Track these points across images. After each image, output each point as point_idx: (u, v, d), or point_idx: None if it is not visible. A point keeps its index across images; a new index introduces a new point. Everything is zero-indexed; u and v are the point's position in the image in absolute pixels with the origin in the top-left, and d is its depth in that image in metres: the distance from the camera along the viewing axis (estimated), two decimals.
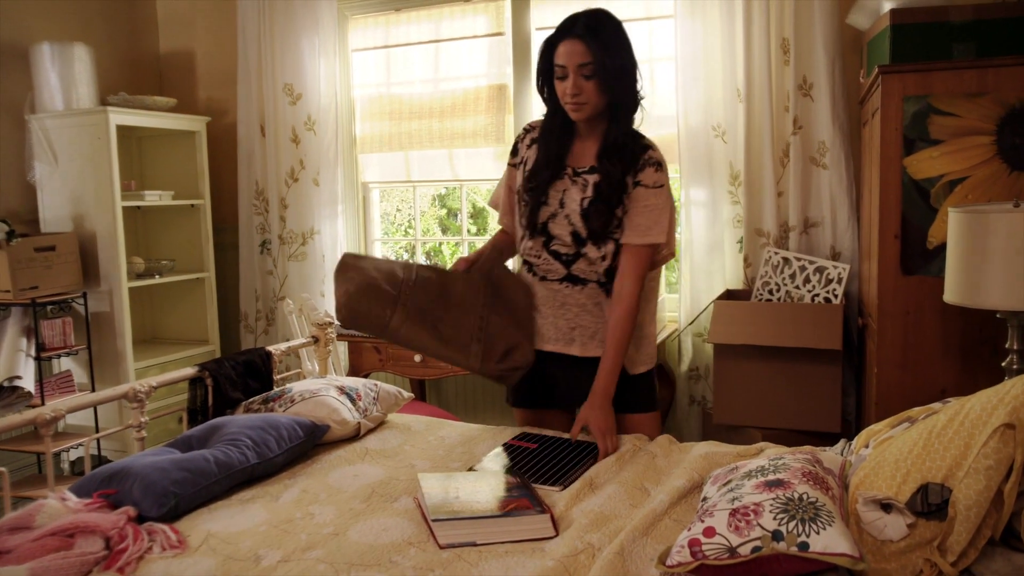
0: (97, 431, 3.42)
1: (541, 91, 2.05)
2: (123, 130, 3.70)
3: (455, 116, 3.77)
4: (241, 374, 2.40)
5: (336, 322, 2.56)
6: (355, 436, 2.12)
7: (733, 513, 1.27)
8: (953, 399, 1.50)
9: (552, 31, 1.97)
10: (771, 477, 1.35)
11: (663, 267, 2.19)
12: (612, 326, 1.96)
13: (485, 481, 1.67)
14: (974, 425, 1.29)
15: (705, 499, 1.46)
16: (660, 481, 1.71)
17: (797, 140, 3.09)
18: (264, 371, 2.50)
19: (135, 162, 4.13)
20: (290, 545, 1.48)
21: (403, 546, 1.46)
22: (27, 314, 3.42)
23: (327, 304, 3.91)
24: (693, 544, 1.24)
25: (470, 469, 1.82)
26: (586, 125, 2.01)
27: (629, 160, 1.96)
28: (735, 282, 3.25)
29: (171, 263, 3.99)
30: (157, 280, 3.86)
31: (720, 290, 3.24)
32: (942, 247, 2.24)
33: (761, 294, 3.07)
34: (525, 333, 1.99)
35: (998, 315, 2.06)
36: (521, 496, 1.57)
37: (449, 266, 2.10)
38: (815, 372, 2.72)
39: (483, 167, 3.75)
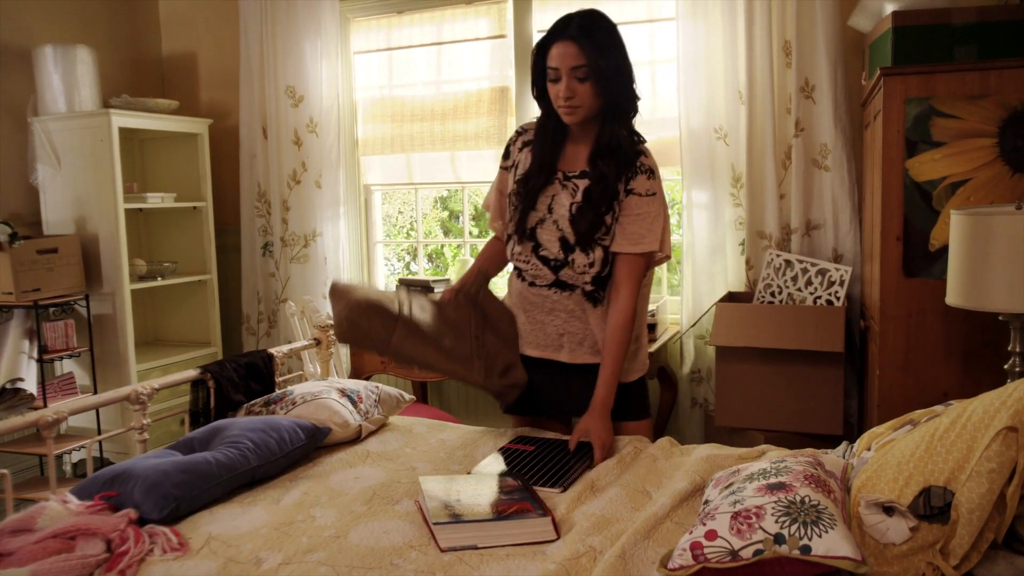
0: (99, 433, 3.43)
1: (535, 94, 2.02)
2: (125, 132, 3.70)
3: (457, 118, 3.77)
4: (243, 376, 2.40)
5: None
6: (356, 438, 2.12)
7: (735, 516, 1.26)
8: (955, 402, 1.50)
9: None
10: (773, 480, 1.35)
11: (655, 273, 2.19)
12: (610, 336, 1.95)
13: (486, 484, 1.66)
14: (976, 428, 1.29)
15: (707, 502, 1.46)
16: (662, 484, 1.71)
17: (799, 142, 3.09)
18: (266, 373, 2.50)
19: (137, 164, 4.13)
20: (291, 548, 1.48)
21: (404, 549, 1.46)
22: (29, 316, 3.42)
23: (329, 306, 3.90)
24: (695, 547, 1.24)
25: (468, 474, 1.81)
26: (579, 128, 1.98)
27: (622, 163, 1.94)
28: (737, 284, 3.25)
29: (173, 265, 3.99)
30: (159, 282, 3.86)
31: (722, 292, 3.23)
32: (944, 249, 2.24)
33: (763, 296, 3.07)
34: (515, 354, 2.03)
35: (1000, 317, 2.05)
36: (522, 499, 1.57)
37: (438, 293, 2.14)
38: (817, 374, 2.72)
39: (485, 169, 3.75)
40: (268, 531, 1.55)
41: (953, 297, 2.05)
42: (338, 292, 1.99)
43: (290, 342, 3.19)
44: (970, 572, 1.23)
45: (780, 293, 3.04)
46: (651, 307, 3.12)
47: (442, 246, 5.26)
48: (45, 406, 3.26)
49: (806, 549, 1.18)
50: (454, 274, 3.90)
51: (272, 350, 2.60)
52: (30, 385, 3.34)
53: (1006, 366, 2.06)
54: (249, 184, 4.06)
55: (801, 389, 2.75)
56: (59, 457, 3.53)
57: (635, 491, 1.67)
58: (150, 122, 3.77)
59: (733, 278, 3.27)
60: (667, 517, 1.52)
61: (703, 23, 3.18)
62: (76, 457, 3.63)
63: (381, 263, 4.24)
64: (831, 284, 2.92)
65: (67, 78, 3.61)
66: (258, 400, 2.27)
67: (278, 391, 2.33)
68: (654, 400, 3.28)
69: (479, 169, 3.78)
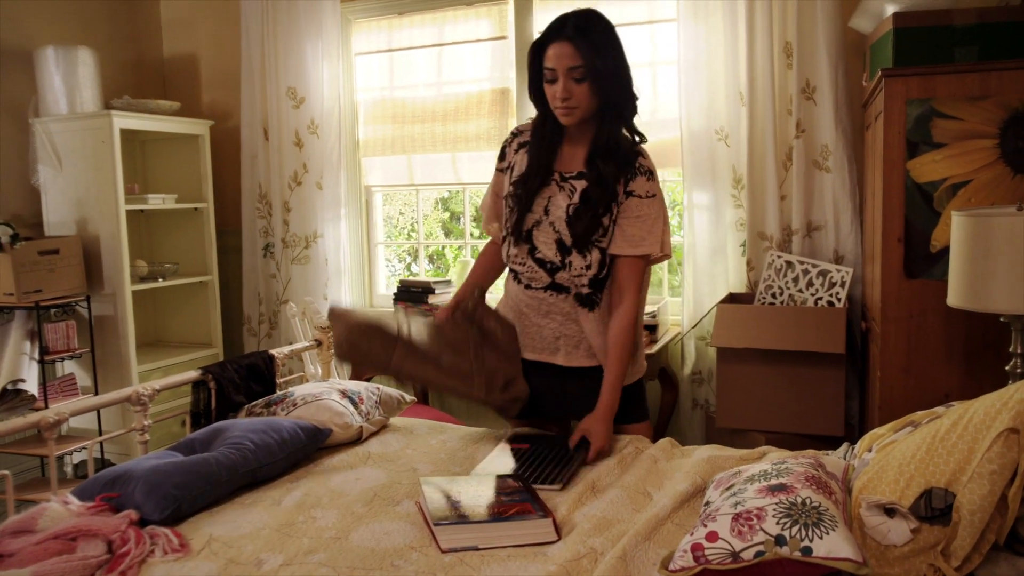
0: (100, 434, 3.43)
1: (532, 95, 1.99)
2: (127, 133, 3.71)
3: (458, 120, 3.77)
4: (244, 377, 2.40)
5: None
6: (357, 440, 2.12)
7: (736, 518, 1.26)
8: (957, 403, 1.50)
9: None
10: (774, 481, 1.35)
11: (655, 274, 2.18)
12: (614, 339, 1.95)
13: (487, 485, 1.66)
14: (978, 430, 1.29)
15: (708, 503, 1.46)
16: (663, 485, 1.71)
17: (800, 143, 3.08)
18: (267, 374, 2.51)
19: (139, 165, 4.14)
20: (292, 549, 1.48)
21: (405, 550, 1.46)
22: (31, 317, 3.43)
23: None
24: (696, 549, 1.24)
25: (469, 475, 1.81)
26: (576, 129, 1.95)
27: (621, 164, 1.92)
28: (738, 286, 3.25)
29: (174, 266, 3.99)
30: (160, 283, 3.87)
31: (723, 294, 3.23)
32: (945, 251, 2.24)
33: (764, 298, 3.07)
34: (516, 368, 2.01)
35: (1002, 319, 2.05)
36: (523, 500, 1.57)
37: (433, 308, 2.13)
38: (818, 376, 2.72)
39: (486, 170, 3.75)
40: (269, 532, 1.55)
41: (954, 298, 2.05)
42: (337, 315, 1.99)
43: (291, 343, 3.19)
44: (971, 574, 1.23)
45: (781, 294, 3.03)
46: (652, 308, 3.12)
47: (443, 247, 5.27)
48: (46, 407, 3.26)
49: (807, 551, 1.18)
50: (455, 276, 3.91)
51: (273, 351, 2.60)
52: (31, 386, 3.34)
53: (1007, 367, 2.06)
54: (250, 185, 4.06)
55: (802, 390, 2.74)
56: (60, 458, 3.53)
57: (636, 492, 1.67)
58: (151, 123, 3.78)
59: (734, 279, 3.26)
60: (668, 518, 1.52)
61: (704, 24, 3.18)
62: (77, 458, 3.63)
63: (382, 264, 4.24)
64: (832, 285, 2.92)
65: (68, 79, 3.62)
66: (259, 401, 2.27)
67: (279, 392, 2.33)
68: (655, 401, 3.28)
69: (480, 170, 3.78)
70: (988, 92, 2.24)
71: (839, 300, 2.89)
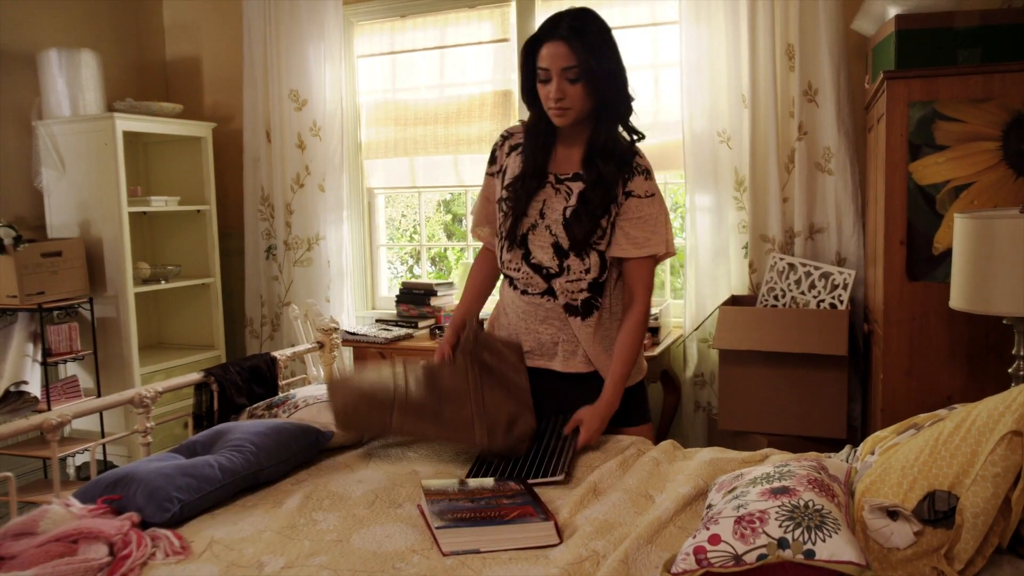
0: (103, 436, 3.43)
1: (524, 95, 1.96)
2: (129, 136, 3.71)
3: (460, 122, 3.77)
4: (246, 379, 2.41)
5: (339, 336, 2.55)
6: (359, 442, 2.12)
7: (738, 520, 1.26)
8: (959, 406, 1.50)
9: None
10: (776, 484, 1.35)
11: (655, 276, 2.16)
12: (622, 338, 1.94)
13: (488, 488, 1.66)
14: (981, 432, 1.29)
15: (710, 506, 1.46)
16: (665, 488, 1.70)
17: (802, 146, 3.08)
18: (269, 376, 2.51)
19: (141, 168, 4.15)
20: (293, 552, 1.47)
21: (406, 553, 1.45)
22: (33, 319, 3.43)
23: (332, 310, 3.91)
24: (698, 552, 1.24)
25: (464, 480, 1.81)
26: (570, 130, 1.92)
27: (618, 164, 1.89)
28: (740, 288, 3.25)
29: (177, 268, 4.00)
30: (163, 285, 3.87)
31: (725, 296, 3.23)
32: (948, 253, 2.24)
33: (766, 300, 3.07)
34: (522, 403, 1.93)
35: (1004, 321, 2.05)
36: (525, 503, 1.56)
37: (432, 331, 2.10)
38: (820, 378, 2.72)
39: None
40: (270, 535, 1.55)
41: (957, 301, 2.05)
42: (334, 387, 1.95)
43: (293, 345, 3.19)
44: None
45: (783, 297, 3.03)
46: (655, 311, 3.11)
47: (445, 249, 5.27)
48: (49, 409, 3.27)
49: (810, 554, 1.18)
50: (457, 278, 3.90)
51: (275, 353, 2.60)
52: (34, 388, 3.34)
53: (1010, 370, 2.06)
54: (253, 188, 4.06)
55: (804, 393, 2.74)
56: (62, 460, 3.54)
57: (638, 495, 1.67)
58: (154, 126, 3.78)
59: (736, 281, 3.26)
60: (670, 521, 1.52)
61: (706, 27, 3.18)
62: (79, 460, 3.64)
63: (384, 266, 4.24)
64: (834, 288, 2.92)
65: (71, 82, 3.63)
66: (260, 403, 2.27)
67: (281, 394, 2.33)
68: (657, 403, 3.28)
69: (482, 172, 3.75)
70: (991, 94, 2.23)
71: (841, 302, 2.88)
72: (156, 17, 4.38)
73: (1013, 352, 2.04)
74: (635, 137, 1.97)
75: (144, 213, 3.98)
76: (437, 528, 1.48)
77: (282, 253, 4.02)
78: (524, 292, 1.98)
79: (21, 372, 3.36)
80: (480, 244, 2.22)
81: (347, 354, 3.65)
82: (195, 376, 2.32)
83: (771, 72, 3.08)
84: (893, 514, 1.31)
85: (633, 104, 1.94)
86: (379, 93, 3.97)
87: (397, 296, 3.76)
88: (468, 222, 4.25)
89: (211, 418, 2.28)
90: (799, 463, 1.47)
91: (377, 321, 3.76)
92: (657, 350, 3.06)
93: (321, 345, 2.86)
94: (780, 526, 1.22)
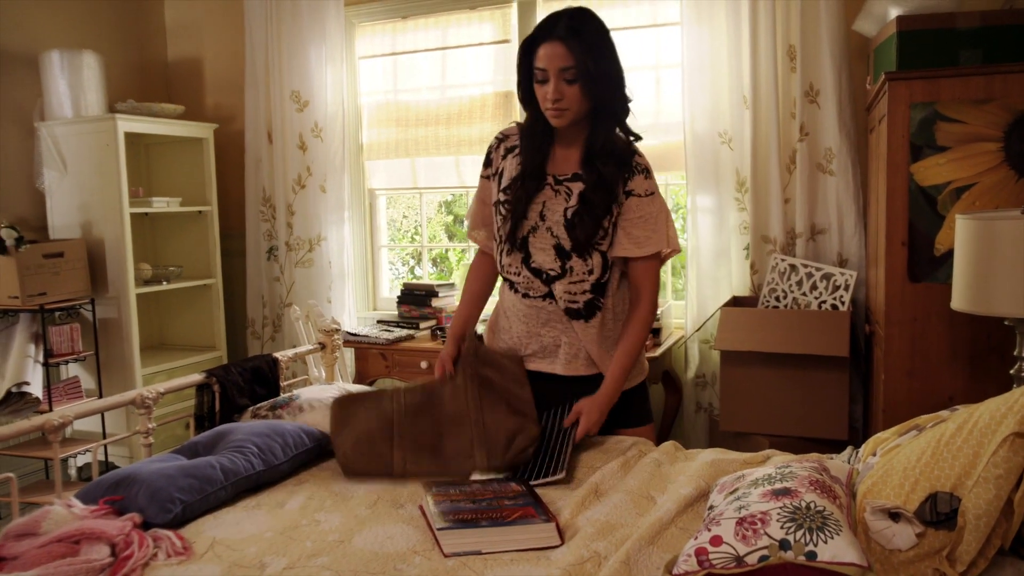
0: (104, 437, 3.43)
1: (520, 96, 1.94)
2: (131, 137, 3.72)
3: (461, 123, 3.78)
4: (248, 380, 2.40)
5: (342, 328, 2.55)
6: None
7: (740, 522, 1.26)
8: (961, 407, 1.50)
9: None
10: (778, 486, 1.35)
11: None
12: (627, 334, 1.93)
13: (490, 489, 1.66)
14: (983, 434, 1.29)
15: (712, 507, 1.46)
16: (666, 489, 1.70)
17: (804, 147, 3.08)
18: (271, 377, 2.51)
19: (143, 169, 4.15)
20: (295, 552, 1.48)
21: (408, 554, 1.45)
22: (35, 320, 3.43)
23: (333, 311, 3.92)
24: (700, 553, 1.24)
25: (466, 480, 1.81)
26: (567, 131, 1.90)
27: (618, 164, 1.88)
28: (742, 289, 3.25)
29: (178, 269, 4.00)
30: (164, 286, 3.87)
31: (726, 297, 3.23)
32: (949, 254, 2.24)
33: (768, 301, 3.07)
34: (524, 415, 1.89)
35: (1006, 322, 2.05)
36: (526, 504, 1.56)
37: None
38: (822, 379, 2.71)
39: None
40: (272, 535, 1.55)
41: (958, 302, 2.05)
42: (335, 422, 1.93)
43: (295, 346, 3.19)
44: None
45: (785, 297, 3.03)
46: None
47: (446, 250, 5.26)
48: (51, 410, 3.27)
49: (811, 555, 1.18)
50: (458, 279, 3.91)
51: (277, 354, 2.60)
52: (35, 389, 3.35)
53: (1012, 371, 2.05)
54: (254, 188, 4.07)
55: (806, 394, 2.74)
56: (64, 461, 3.54)
57: (639, 496, 1.67)
58: (156, 127, 3.79)
59: (738, 282, 3.26)
60: (672, 522, 1.52)
61: (707, 28, 3.18)
62: (81, 461, 3.64)
63: (385, 267, 4.25)
64: (836, 288, 2.92)
65: (73, 83, 3.63)
66: (264, 404, 2.27)
67: (284, 395, 2.33)
68: (659, 404, 3.28)
69: None
70: (992, 95, 2.23)
71: (843, 303, 2.88)
72: (158, 18, 4.38)
73: (1015, 353, 2.04)
74: (632, 138, 1.96)
75: (146, 214, 3.98)
76: (439, 529, 1.48)
77: (283, 254, 4.02)
78: (525, 295, 1.97)
79: (23, 373, 3.36)
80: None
81: (348, 355, 3.65)
82: (196, 377, 2.32)
83: (772, 73, 3.08)
84: (895, 516, 1.31)
85: (630, 105, 1.92)
86: (380, 94, 3.97)
87: (398, 297, 3.76)
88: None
89: (213, 419, 2.28)
90: (801, 464, 1.47)
91: (378, 322, 3.76)
92: (659, 351, 3.06)
93: (322, 346, 2.86)
94: (782, 527, 1.22)
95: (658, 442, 2.02)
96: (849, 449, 1.76)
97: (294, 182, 3.96)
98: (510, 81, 3.65)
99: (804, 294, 2.99)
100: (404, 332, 3.54)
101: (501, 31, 3.68)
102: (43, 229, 3.74)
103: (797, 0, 3.03)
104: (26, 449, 3.29)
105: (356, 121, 4.01)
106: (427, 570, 1.39)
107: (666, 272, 3.61)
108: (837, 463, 1.57)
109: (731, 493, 1.43)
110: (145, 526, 1.58)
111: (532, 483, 1.73)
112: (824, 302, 2.93)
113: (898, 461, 1.40)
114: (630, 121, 1.94)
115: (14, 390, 3.31)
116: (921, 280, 2.34)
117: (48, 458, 3.30)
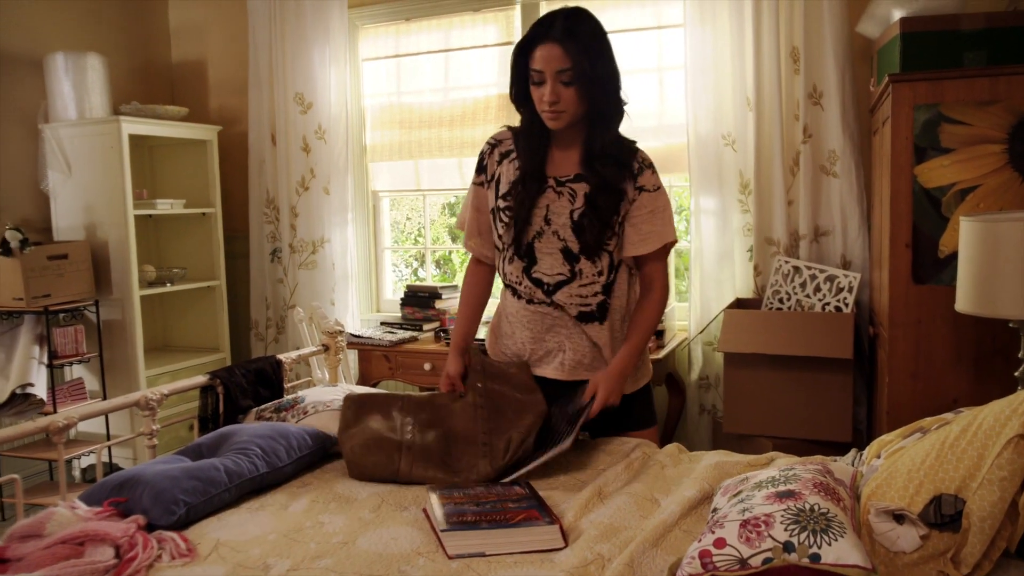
0: (108, 438, 3.44)
1: (515, 98, 1.90)
2: (135, 139, 3.73)
3: (465, 125, 3.78)
4: (252, 382, 2.41)
5: (345, 330, 2.55)
6: None
7: (744, 524, 1.26)
8: (965, 409, 1.49)
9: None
10: (782, 488, 1.35)
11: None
12: (642, 313, 1.93)
13: (494, 491, 1.66)
14: (987, 436, 1.28)
15: (715, 510, 1.46)
16: (670, 491, 1.70)
17: (807, 148, 3.08)
18: (275, 379, 2.51)
19: (147, 171, 4.16)
20: (299, 554, 1.48)
21: (412, 556, 1.45)
22: (40, 322, 3.44)
23: (337, 313, 3.92)
24: (704, 555, 1.23)
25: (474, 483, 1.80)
26: (565, 132, 1.88)
27: (623, 162, 1.87)
28: (745, 291, 3.24)
29: (182, 271, 4.01)
30: (168, 288, 3.88)
31: (730, 299, 3.23)
32: (953, 256, 2.23)
33: (771, 303, 3.06)
34: (529, 419, 1.86)
35: (1010, 324, 2.04)
36: (530, 507, 1.56)
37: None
38: (826, 381, 2.71)
39: None
40: (276, 537, 1.56)
41: (963, 304, 2.04)
42: (345, 424, 1.93)
43: (298, 348, 3.20)
44: None
45: (789, 299, 3.03)
46: None
47: (449, 252, 5.27)
48: (55, 411, 3.28)
49: (816, 557, 1.18)
50: (461, 281, 3.90)
51: (281, 356, 2.61)
52: (40, 390, 3.35)
53: (1017, 373, 2.05)
54: (258, 190, 4.07)
55: (810, 396, 2.74)
56: (68, 462, 3.54)
57: (643, 499, 1.66)
58: (160, 129, 3.80)
59: (741, 284, 3.26)
60: (676, 525, 1.52)
61: (711, 29, 3.18)
62: (85, 462, 3.65)
63: (389, 269, 4.25)
64: (840, 291, 2.91)
65: (78, 85, 3.64)
66: (269, 405, 2.27)
67: (289, 397, 2.33)
68: (662, 406, 3.28)
69: None
70: (996, 97, 2.23)
71: (847, 305, 2.88)
72: (162, 20, 4.39)
73: (1019, 355, 2.04)
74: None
75: (150, 216, 3.99)
76: (443, 531, 1.48)
77: (287, 256, 4.02)
78: (530, 301, 1.95)
79: (27, 374, 3.37)
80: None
81: (352, 357, 3.65)
82: (200, 379, 2.32)
83: (776, 75, 3.08)
84: (899, 518, 1.31)
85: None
86: (384, 96, 3.98)
87: (402, 299, 3.76)
88: None
89: (216, 420, 2.29)
90: (804, 467, 1.46)
91: (382, 324, 3.76)
92: (662, 353, 3.06)
93: (326, 348, 2.87)
94: (786, 530, 1.22)
95: (662, 444, 2.02)
96: (853, 451, 1.76)
97: (298, 184, 3.97)
98: None
99: (808, 296, 2.98)
100: (407, 334, 3.54)
101: (504, 33, 3.68)
102: (47, 231, 3.75)
103: (800, 2, 3.03)
104: (30, 451, 3.30)
105: (359, 123, 4.01)
106: (431, 572, 1.39)
107: (669, 274, 3.60)
108: (841, 465, 1.57)
109: (735, 495, 1.43)
110: (149, 528, 1.58)
111: (542, 458, 1.75)
112: (828, 304, 2.93)
113: (902, 463, 1.40)
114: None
115: (18, 391, 3.32)
116: (925, 282, 2.34)
117: (52, 460, 3.30)
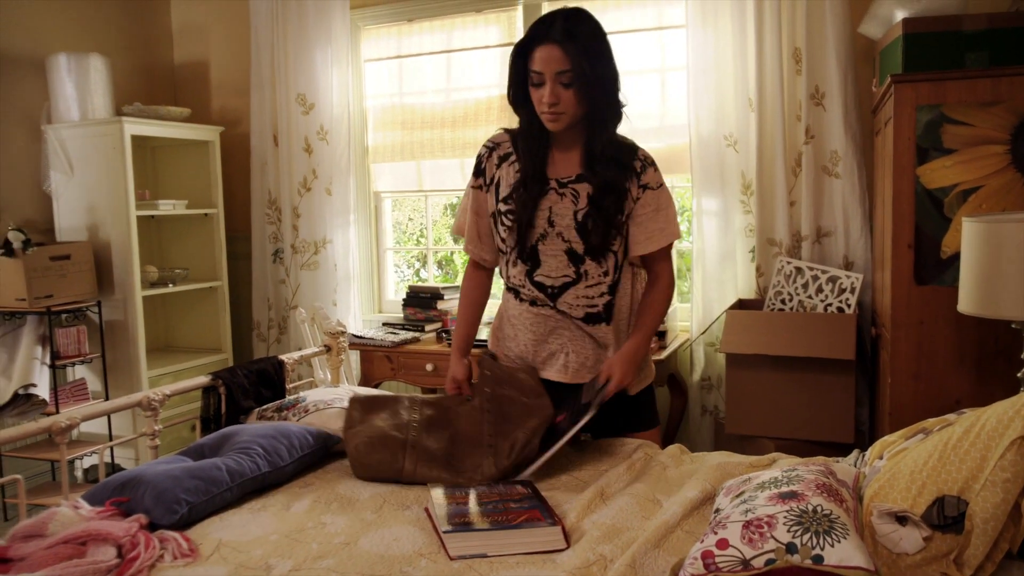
0: (110, 439, 3.44)
1: (513, 100, 1.89)
2: (138, 140, 3.73)
3: (467, 126, 3.78)
4: (254, 383, 2.41)
5: (347, 331, 2.55)
6: None
7: (746, 525, 1.26)
8: (968, 410, 1.49)
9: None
10: (784, 489, 1.34)
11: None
12: (654, 300, 1.94)
13: (496, 492, 1.66)
14: (990, 437, 1.28)
15: (718, 511, 1.45)
16: (672, 492, 1.70)
17: (809, 149, 3.08)
18: (277, 380, 2.51)
19: (149, 171, 4.16)
20: (301, 554, 1.48)
21: (414, 557, 1.46)
22: (42, 322, 3.45)
23: (339, 313, 3.92)
24: (706, 556, 1.23)
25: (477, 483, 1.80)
26: (564, 134, 1.87)
27: (622, 165, 1.86)
28: (747, 292, 3.24)
29: (184, 272, 4.01)
30: (170, 289, 3.88)
31: (732, 300, 3.22)
32: (956, 257, 2.23)
33: (773, 304, 3.06)
34: (535, 421, 1.85)
35: (1013, 325, 2.04)
36: (532, 508, 1.56)
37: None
38: (828, 382, 2.71)
39: None
40: (278, 537, 1.56)
41: (965, 305, 2.04)
42: (350, 422, 1.93)
43: (300, 349, 3.20)
44: None
45: (791, 300, 3.03)
46: None
47: (452, 253, 5.27)
48: (57, 412, 3.28)
49: (818, 559, 1.17)
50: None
51: (283, 357, 2.61)
52: (42, 391, 3.36)
53: (1019, 374, 2.05)
54: (260, 191, 4.08)
55: (812, 397, 2.73)
56: (71, 462, 3.55)
57: (645, 499, 1.66)
58: (162, 130, 3.80)
59: (743, 285, 3.26)
60: (678, 526, 1.52)
61: (713, 30, 3.18)
62: (88, 463, 3.65)
63: (391, 270, 4.25)
64: (842, 291, 2.91)
65: (80, 86, 3.64)
66: (270, 405, 2.28)
67: (290, 397, 2.33)
68: (664, 407, 3.27)
69: None
70: (999, 98, 2.23)
71: (849, 306, 2.88)
72: (164, 21, 4.40)
73: (1022, 356, 2.04)
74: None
75: (152, 216, 3.99)
76: (445, 532, 1.48)
77: (289, 256, 4.03)
78: (533, 303, 1.94)
79: (30, 375, 3.38)
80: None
81: (354, 357, 3.65)
82: (202, 379, 2.32)
83: (778, 76, 3.08)
84: (902, 519, 1.31)
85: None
86: (386, 97, 3.98)
87: (404, 299, 3.76)
88: None
89: (218, 421, 2.29)
90: (807, 468, 1.46)
91: (384, 324, 3.76)
92: (664, 354, 3.06)
93: (328, 348, 2.87)
94: (789, 531, 1.22)
95: (664, 445, 2.02)
96: (855, 452, 1.76)
97: (300, 185, 3.97)
98: None
99: (810, 297, 2.98)
100: (409, 334, 3.54)
101: (506, 34, 3.68)
102: (50, 231, 3.75)
103: (802, 2, 3.03)
104: (33, 451, 3.30)
105: (362, 124, 4.02)
106: (433, 573, 1.39)
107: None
108: (843, 466, 1.57)
109: (737, 496, 1.43)
110: (151, 527, 1.58)
111: (552, 449, 1.77)
112: (830, 305, 2.92)
113: (905, 464, 1.40)
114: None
115: (21, 392, 3.32)
116: (927, 283, 2.33)
117: (55, 460, 3.30)
